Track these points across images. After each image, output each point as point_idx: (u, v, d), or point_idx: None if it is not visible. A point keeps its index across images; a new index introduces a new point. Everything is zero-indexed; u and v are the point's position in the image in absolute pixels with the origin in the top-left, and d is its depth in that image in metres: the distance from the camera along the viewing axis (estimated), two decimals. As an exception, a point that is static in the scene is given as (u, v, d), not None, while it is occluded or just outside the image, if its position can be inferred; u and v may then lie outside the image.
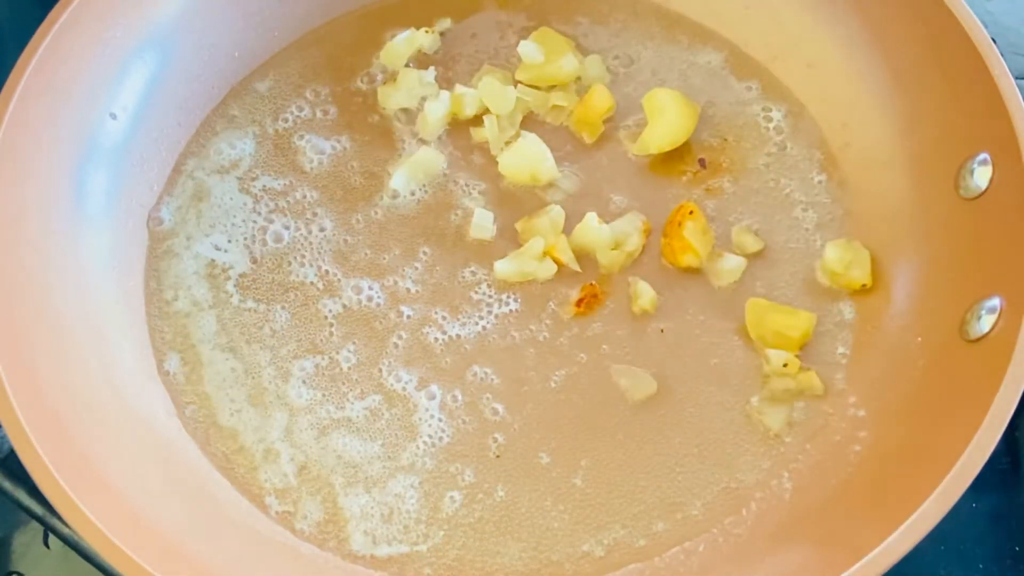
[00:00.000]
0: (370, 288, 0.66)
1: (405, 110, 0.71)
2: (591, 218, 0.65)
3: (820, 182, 0.68)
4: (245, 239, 0.67)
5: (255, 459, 0.61)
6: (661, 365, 0.63)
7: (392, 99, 0.72)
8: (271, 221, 0.68)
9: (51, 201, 0.62)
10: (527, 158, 0.68)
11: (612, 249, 0.66)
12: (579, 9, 0.75)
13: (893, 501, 0.51)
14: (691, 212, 0.65)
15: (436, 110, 0.70)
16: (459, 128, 0.71)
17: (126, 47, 0.67)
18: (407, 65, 0.73)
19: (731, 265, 0.65)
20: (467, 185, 0.69)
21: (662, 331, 0.64)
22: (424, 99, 0.71)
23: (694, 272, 0.66)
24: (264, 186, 0.69)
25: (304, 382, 0.63)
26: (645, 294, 0.64)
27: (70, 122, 0.64)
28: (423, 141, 0.70)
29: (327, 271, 0.66)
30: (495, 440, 0.61)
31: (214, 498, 0.59)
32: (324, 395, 0.63)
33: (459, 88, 0.71)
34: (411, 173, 0.69)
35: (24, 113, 0.60)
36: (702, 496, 0.59)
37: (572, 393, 0.63)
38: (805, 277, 0.65)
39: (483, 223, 0.67)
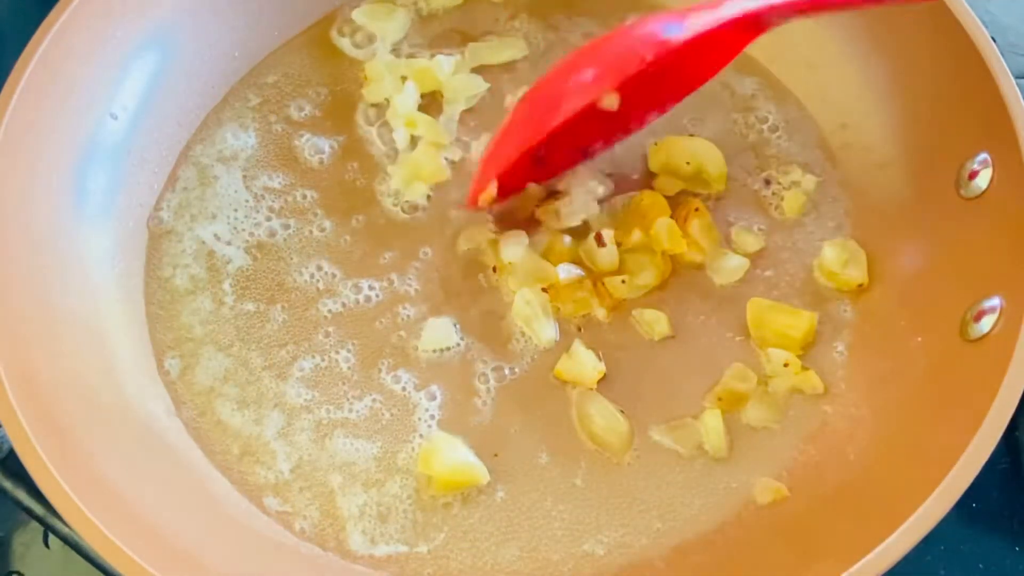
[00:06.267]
0: (370, 288, 0.66)
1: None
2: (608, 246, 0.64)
3: (820, 182, 0.68)
4: (244, 237, 0.67)
5: (254, 459, 0.61)
6: (662, 364, 0.63)
7: (375, 94, 0.72)
8: (271, 220, 0.68)
9: (51, 201, 0.62)
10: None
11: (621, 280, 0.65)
12: (579, 9, 0.75)
13: (893, 501, 0.51)
14: (696, 209, 0.65)
15: (404, 101, 0.70)
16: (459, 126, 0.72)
17: (126, 47, 0.67)
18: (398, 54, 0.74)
19: (734, 264, 0.65)
20: (467, 185, 0.69)
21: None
22: (404, 80, 0.71)
23: (695, 271, 0.66)
24: (264, 185, 0.69)
25: (303, 382, 0.63)
26: (659, 322, 0.63)
27: (70, 122, 0.64)
28: (416, 138, 0.70)
29: (326, 271, 0.66)
30: (495, 440, 0.61)
31: (214, 498, 0.59)
32: (323, 395, 0.63)
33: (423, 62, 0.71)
34: (411, 173, 0.69)
35: (24, 113, 0.60)
36: (701, 496, 0.59)
37: (573, 392, 0.62)
38: (805, 277, 0.65)
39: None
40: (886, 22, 0.66)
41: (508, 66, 0.73)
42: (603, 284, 0.64)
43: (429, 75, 0.71)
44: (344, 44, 0.74)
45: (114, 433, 0.58)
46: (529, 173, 0.64)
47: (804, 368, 0.62)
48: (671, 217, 0.65)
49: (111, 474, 0.55)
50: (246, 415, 0.62)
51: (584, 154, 0.65)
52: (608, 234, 0.64)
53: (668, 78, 0.61)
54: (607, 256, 0.64)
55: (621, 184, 0.68)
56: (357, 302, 0.65)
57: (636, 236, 0.65)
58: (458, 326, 0.64)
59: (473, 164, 0.69)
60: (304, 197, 0.69)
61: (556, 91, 0.61)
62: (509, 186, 0.64)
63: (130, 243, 0.66)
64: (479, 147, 0.70)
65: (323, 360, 0.64)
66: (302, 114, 0.72)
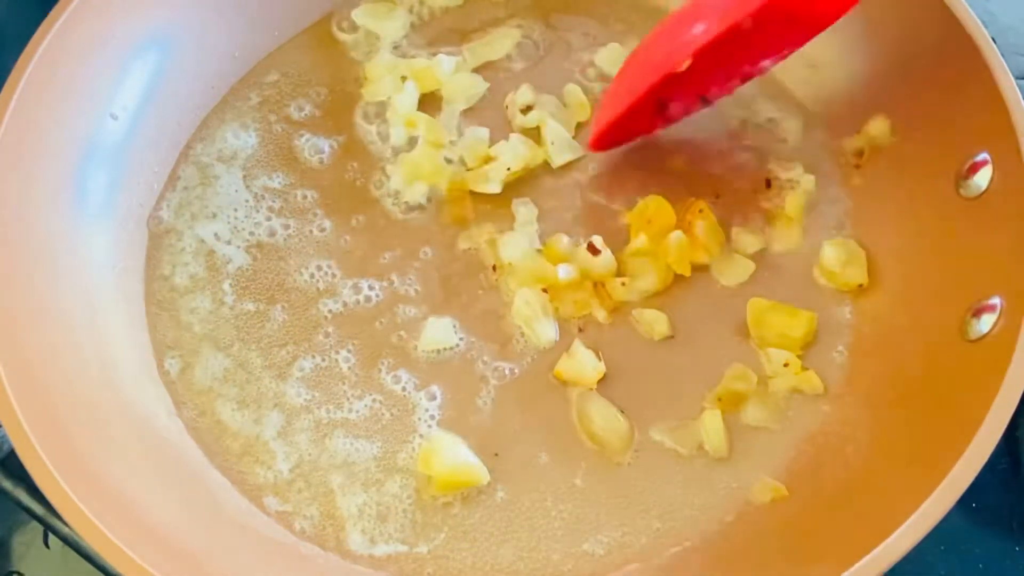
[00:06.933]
0: (370, 288, 0.66)
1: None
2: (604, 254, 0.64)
3: (820, 182, 0.68)
4: (244, 236, 0.67)
5: (254, 459, 0.61)
6: (662, 364, 0.63)
7: (375, 94, 0.72)
8: (271, 219, 0.68)
9: (51, 201, 0.62)
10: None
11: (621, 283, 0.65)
12: (580, 10, 0.75)
13: (892, 501, 0.51)
14: (701, 210, 0.65)
15: (404, 101, 0.70)
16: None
17: (126, 47, 0.67)
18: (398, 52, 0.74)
19: (740, 267, 0.65)
20: (467, 185, 0.69)
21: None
22: (404, 79, 0.71)
23: (696, 271, 0.65)
24: (264, 185, 0.69)
25: (303, 382, 0.63)
26: (659, 322, 0.63)
27: (70, 122, 0.64)
28: (414, 138, 0.70)
29: (326, 271, 0.66)
30: (495, 440, 0.61)
31: (214, 498, 0.59)
32: (323, 395, 0.63)
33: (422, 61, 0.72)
34: (411, 172, 0.69)
35: (24, 113, 0.60)
36: (701, 496, 0.59)
37: (573, 392, 0.62)
38: (805, 277, 0.65)
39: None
40: (887, 22, 0.66)
41: (508, 66, 0.73)
42: (603, 286, 0.64)
43: (429, 75, 0.71)
44: (344, 44, 0.74)
45: (114, 433, 0.58)
46: (652, 119, 0.66)
47: (804, 368, 0.62)
48: (675, 218, 0.65)
49: (111, 474, 0.55)
50: (246, 415, 0.62)
51: (704, 101, 0.66)
52: (599, 240, 0.64)
53: (784, 20, 0.59)
54: (603, 262, 0.64)
55: (621, 184, 0.69)
56: (357, 302, 0.65)
57: (640, 241, 0.65)
58: (458, 326, 0.64)
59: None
60: (304, 197, 0.69)
61: (675, 33, 0.62)
62: (631, 129, 0.66)
63: (130, 243, 0.66)
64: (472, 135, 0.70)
65: (323, 360, 0.64)
66: (302, 114, 0.72)
